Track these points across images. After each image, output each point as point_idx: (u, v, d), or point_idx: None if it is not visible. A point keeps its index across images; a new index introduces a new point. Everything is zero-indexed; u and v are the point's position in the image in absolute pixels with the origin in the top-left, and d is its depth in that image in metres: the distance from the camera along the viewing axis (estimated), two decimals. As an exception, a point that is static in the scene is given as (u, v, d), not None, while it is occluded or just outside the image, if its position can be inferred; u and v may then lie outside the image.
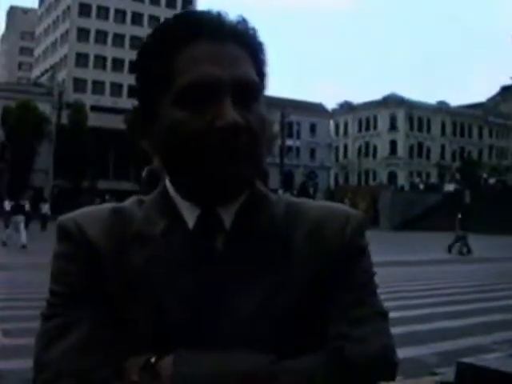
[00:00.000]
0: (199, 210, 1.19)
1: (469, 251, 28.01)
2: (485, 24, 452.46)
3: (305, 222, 1.22)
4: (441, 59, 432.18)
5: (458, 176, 76.72)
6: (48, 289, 1.18)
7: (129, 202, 1.27)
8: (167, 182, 1.24)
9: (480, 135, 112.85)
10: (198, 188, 1.16)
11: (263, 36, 1.22)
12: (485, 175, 76.83)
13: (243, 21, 1.19)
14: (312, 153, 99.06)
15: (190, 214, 1.19)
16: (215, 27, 1.15)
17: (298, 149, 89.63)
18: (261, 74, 1.20)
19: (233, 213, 1.20)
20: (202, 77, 1.11)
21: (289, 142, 73.72)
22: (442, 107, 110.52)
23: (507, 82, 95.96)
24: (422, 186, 69.35)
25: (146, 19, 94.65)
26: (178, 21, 1.17)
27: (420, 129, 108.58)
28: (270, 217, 1.22)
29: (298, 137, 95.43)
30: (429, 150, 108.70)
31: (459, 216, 29.22)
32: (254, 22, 1.21)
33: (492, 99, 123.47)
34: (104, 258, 1.16)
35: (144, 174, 1.31)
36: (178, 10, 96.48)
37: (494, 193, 55.57)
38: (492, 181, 69.38)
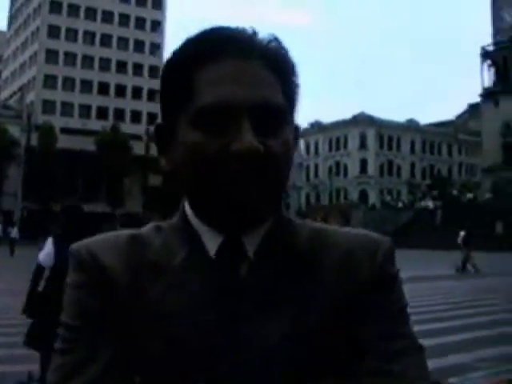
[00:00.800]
0: (222, 238, 1.12)
1: (462, 270, 28.24)
2: (454, 41, 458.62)
3: (332, 249, 1.15)
4: (410, 78, 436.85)
5: (435, 193, 77.05)
6: (61, 322, 1.12)
7: (147, 229, 1.20)
8: (186, 206, 1.17)
9: (449, 152, 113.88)
10: (215, 213, 1.09)
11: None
12: (455, 192, 77.31)
13: (275, 40, 1.12)
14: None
15: (211, 242, 1.12)
16: (243, 46, 1.08)
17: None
18: (290, 97, 1.12)
19: (257, 240, 1.12)
20: (220, 98, 1.04)
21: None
22: (411, 125, 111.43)
23: (475, 99, 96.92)
24: (400, 204, 69.40)
25: (114, 41, 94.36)
26: (204, 36, 1.10)
27: (390, 147, 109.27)
28: (296, 244, 1.15)
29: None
30: (399, 168, 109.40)
31: (462, 233, 29.38)
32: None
33: (461, 117, 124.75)
34: (119, 289, 1.10)
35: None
36: (148, 30, 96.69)
37: (466, 209, 55.78)
38: (469, 195, 69.76)
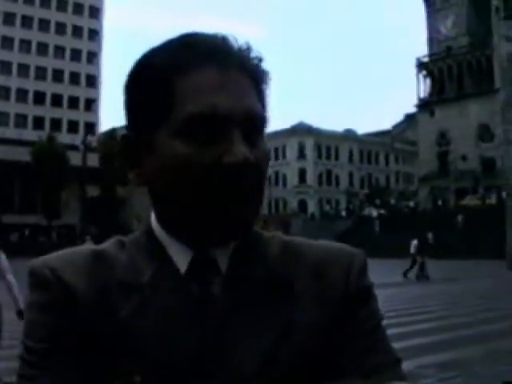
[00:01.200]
0: (191, 253, 1.07)
1: (427, 277, 28.51)
2: (390, 53, 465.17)
3: (305, 263, 1.11)
4: (349, 88, 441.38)
5: (377, 202, 77.75)
6: (22, 345, 1.05)
7: (109, 245, 1.13)
8: (152, 221, 1.12)
9: (387, 162, 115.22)
10: (195, 229, 1.04)
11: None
12: (393, 201, 78.22)
13: (248, 48, 1.08)
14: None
15: (181, 258, 1.07)
16: (222, 53, 1.04)
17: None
18: (263, 106, 1.08)
19: (228, 255, 1.08)
20: (210, 107, 0.99)
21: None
22: (349, 135, 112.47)
23: (412, 109, 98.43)
24: (343, 213, 69.77)
25: (51, 49, 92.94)
26: (180, 43, 1.05)
27: (328, 157, 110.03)
28: (268, 258, 1.11)
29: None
30: (337, 178, 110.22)
31: (415, 242, 29.71)
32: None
33: (397, 126, 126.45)
34: (84, 309, 1.02)
35: None
36: (85, 39, 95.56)
37: (404, 218, 56.41)
38: (409, 203, 70.44)
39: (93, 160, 71.31)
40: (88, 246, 1.12)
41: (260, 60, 1.09)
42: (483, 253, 35.21)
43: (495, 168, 76.08)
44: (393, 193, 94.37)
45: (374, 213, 57.36)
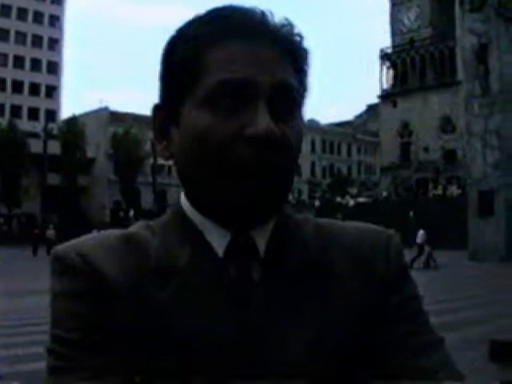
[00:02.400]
0: (228, 235, 1.02)
1: (436, 265, 28.82)
2: (355, 43, 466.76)
3: (342, 246, 1.08)
4: (312, 78, 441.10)
5: (353, 192, 78.05)
6: (51, 336, 0.99)
7: (137, 229, 1.08)
8: (183, 200, 1.07)
9: (349, 152, 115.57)
10: (222, 207, 1.00)
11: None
12: (354, 191, 78.59)
13: (289, 25, 1.04)
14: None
15: (218, 240, 1.02)
16: (257, 26, 1.00)
17: (170, 167, 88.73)
18: (302, 85, 1.05)
19: (266, 238, 1.04)
20: (236, 77, 0.96)
21: (161, 161, 72.80)
22: (312, 125, 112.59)
23: (374, 100, 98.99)
24: (317, 202, 69.69)
25: (12, 35, 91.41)
26: (215, 15, 1.02)
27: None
28: (304, 241, 1.07)
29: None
30: (300, 168, 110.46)
31: (422, 232, 29.94)
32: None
33: (359, 117, 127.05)
34: (119, 296, 0.97)
35: None
36: (46, 25, 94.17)
37: (365, 208, 56.67)
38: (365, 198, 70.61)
39: (53, 147, 70.46)
40: (117, 230, 1.07)
41: (300, 37, 1.05)
42: (447, 243, 35.57)
43: (456, 159, 76.91)
44: (355, 183, 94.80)
45: (351, 202, 57.26)
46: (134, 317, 0.96)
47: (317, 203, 64.25)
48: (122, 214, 69.82)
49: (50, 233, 45.23)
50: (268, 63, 0.98)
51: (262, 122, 0.94)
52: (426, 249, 29.53)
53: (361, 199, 65.90)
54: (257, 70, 0.97)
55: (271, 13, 1.03)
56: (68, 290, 0.98)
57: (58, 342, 0.97)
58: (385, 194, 70.39)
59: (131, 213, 65.95)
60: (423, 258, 29.30)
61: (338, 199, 68.38)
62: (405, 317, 1.06)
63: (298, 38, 1.05)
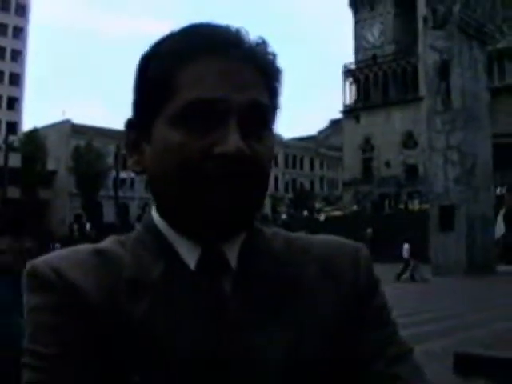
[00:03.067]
0: (199, 248, 1.03)
1: (423, 278, 28.82)
2: (320, 59, 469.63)
3: (312, 258, 1.10)
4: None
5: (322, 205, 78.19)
6: (27, 351, 0.97)
7: (109, 243, 1.08)
8: (154, 215, 1.08)
9: (312, 167, 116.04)
10: (194, 221, 1.01)
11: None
12: (318, 205, 78.85)
13: (263, 43, 1.05)
14: (147, 185, 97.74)
15: (189, 253, 1.03)
16: (230, 44, 1.01)
17: (132, 180, 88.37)
18: (274, 104, 1.05)
19: (236, 251, 1.05)
20: (208, 95, 0.97)
21: (123, 174, 72.46)
22: (275, 140, 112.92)
23: (337, 115, 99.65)
24: (284, 216, 69.59)
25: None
26: (188, 33, 1.03)
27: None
28: (275, 254, 1.08)
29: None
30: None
31: (407, 246, 30.01)
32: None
33: (322, 132, 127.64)
34: (95, 309, 0.97)
35: None
36: (9, 37, 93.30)
37: (327, 224, 56.89)
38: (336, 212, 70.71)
39: (14, 160, 69.68)
40: (89, 245, 1.07)
41: (274, 56, 1.06)
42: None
43: (418, 174, 77.59)
44: (317, 197, 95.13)
45: (322, 217, 57.30)
46: (109, 330, 0.97)
47: (284, 216, 64.14)
48: (76, 227, 69.21)
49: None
50: (240, 81, 0.99)
51: (232, 140, 0.95)
52: (412, 262, 29.67)
53: (336, 212, 65.87)
54: (228, 89, 0.98)
55: (246, 31, 1.04)
56: (44, 305, 0.97)
57: (36, 357, 0.96)
58: (355, 207, 70.58)
59: (87, 226, 65.49)
60: (408, 271, 29.48)
61: (305, 213, 68.31)
62: (377, 327, 1.08)
63: (271, 57, 1.05)
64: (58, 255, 1.03)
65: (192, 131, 0.97)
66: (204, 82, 0.98)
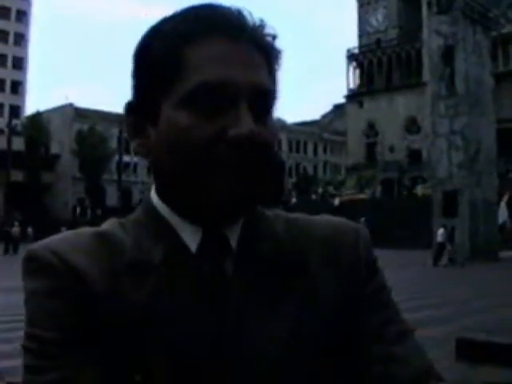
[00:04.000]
0: (200, 231, 1.03)
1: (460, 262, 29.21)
2: (322, 43, 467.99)
3: (313, 239, 1.10)
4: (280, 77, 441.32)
5: (321, 190, 77.99)
6: (27, 335, 0.96)
7: (109, 226, 1.07)
8: (154, 198, 1.07)
9: (315, 151, 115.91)
10: (202, 207, 1.00)
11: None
12: (320, 190, 78.82)
13: (264, 25, 1.04)
14: (149, 169, 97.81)
15: (190, 236, 1.03)
16: (236, 26, 1.00)
17: (135, 165, 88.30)
18: (275, 85, 1.05)
19: (237, 233, 1.05)
20: (219, 78, 0.96)
21: (126, 158, 72.36)
22: (278, 124, 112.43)
23: (340, 100, 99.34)
24: (294, 200, 69.04)
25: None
26: (195, 13, 1.01)
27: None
28: (276, 235, 1.08)
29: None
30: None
31: (441, 230, 30.55)
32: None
33: (326, 117, 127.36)
34: (96, 293, 0.96)
35: None
36: (12, 20, 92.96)
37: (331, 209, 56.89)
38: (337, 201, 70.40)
39: (17, 144, 69.67)
40: (90, 228, 1.06)
41: (274, 37, 1.05)
42: (414, 242, 35.86)
43: (421, 160, 77.45)
44: (320, 182, 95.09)
45: (336, 201, 56.71)
46: (111, 315, 0.95)
47: (294, 200, 63.75)
48: (78, 210, 69.24)
49: (16, 230, 44.24)
50: (248, 64, 0.99)
51: (245, 122, 0.95)
52: (448, 246, 30.06)
53: (361, 195, 65.05)
54: (238, 71, 0.97)
55: (248, 11, 1.03)
56: (45, 289, 0.96)
57: (36, 341, 0.95)
58: (379, 190, 70.16)
59: (88, 212, 65.49)
60: (445, 256, 29.88)
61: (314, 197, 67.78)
62: (377, 306, 1.08)
63: (271, 38, 1.05)
64: (58, 238, 1.02)
65: (202, 114, 0.96)
66: (213, 63, 0.96)
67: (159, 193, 1.06)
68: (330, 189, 76.03)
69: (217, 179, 0.96)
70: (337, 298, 1.06)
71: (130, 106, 1.06)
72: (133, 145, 1.05)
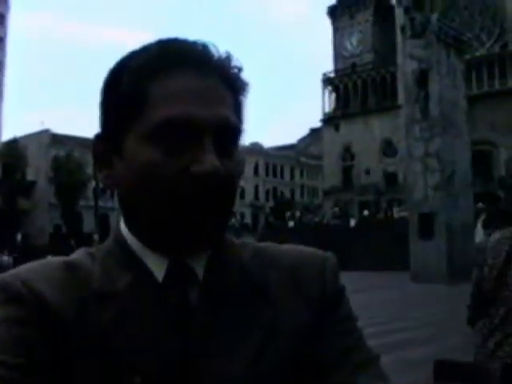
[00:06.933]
0: (167, 261, 1.05)
1: None
2: (299, 67, 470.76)
3: (280, 268, 1.12)
4: (255, 101, 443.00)
5: (288, 214, 77.88)
6: None
7: (78, 255, 1.10)
8: (122, 229, 1.09)
9: (292, 175, 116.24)
10: (164, 239, 1.02)
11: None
12: (298, 213, 78.90)
13: (229, 57, 1.06)
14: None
15: (156, 266, 1.05)
16: (201, 60, 1.02)
17: (112, 191, 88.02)
18: (240, 118, 1.07)
19: (203, 263, 1.06)
20: (182, 114, 0.97)
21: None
22: (255, 148, 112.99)
23: (317, 124, 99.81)
24: (291, 224, 68.67)
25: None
26: (158, 47, 1.03)
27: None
28: (242, 264, 1.10)
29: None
30: (243, 191, 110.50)
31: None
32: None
33: (302, 141, 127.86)
34: (64, 322, 0.98)
35: None
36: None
37: (312, 230, 56.91)
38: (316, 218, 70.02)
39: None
40: (59, 258, 1.09)
41: (240, 70, 1.07)
42: (390, 264, 35.92)
43: (397, 182, 77.82)
44: (298, 206, 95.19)
45: (352, 222, 56.05)
46: (77, 341, 0.98)
47: (291, 224, 63.31)
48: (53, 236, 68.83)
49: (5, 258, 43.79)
50: (212, 99, 1.00)
51: (209, 159, 0.96)
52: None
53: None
54: (202, 107, 0.98)
55: (213, 45, 1.05)
56: (15, 317, 0.98)
57: (6, 368, 0.95)
58: (327, 216, 70.19)
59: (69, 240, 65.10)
60: None
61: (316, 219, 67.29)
62: (342, 334, 1.09)
63: (237, 71, 1.06)
64: (27, 268, 1.04)
65: (167, 149, 0.97)
66: (177, 99, 0.98)
67: (126, 223, 1.08)
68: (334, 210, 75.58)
69: (182, 213, 0.98)
70: (303, 325, 1.07)
71: (97, 138, 1.08)
72: (100, 176, 1.07)
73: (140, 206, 1.01)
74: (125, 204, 1.06)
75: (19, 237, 60.00)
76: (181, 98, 0.98)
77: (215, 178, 0.97)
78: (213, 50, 1.04)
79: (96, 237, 41.76)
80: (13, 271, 1.04)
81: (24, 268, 1.04)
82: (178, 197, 0.98)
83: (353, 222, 51.42)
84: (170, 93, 0.99)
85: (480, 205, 40.46)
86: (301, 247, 1.19)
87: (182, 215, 0.98)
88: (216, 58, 1.04)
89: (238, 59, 1.07)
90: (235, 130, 1.03)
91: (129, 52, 1.05)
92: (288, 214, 67.12)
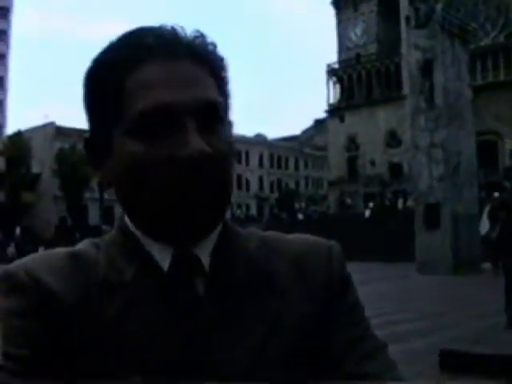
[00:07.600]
0: (171, 250, 1.04)
1: None
2: (303, 58, 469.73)
3: (286, 257, 1.12)
4: (259, 92, 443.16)
5: (297, 206, 77.85)
6: (2, 353, 0.98)
7: (84, 246, 1.10)
8: (126, 220, 1.09)
9: (296, 167, 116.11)
10: (164, 226, 1.02)
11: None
12: (302, 204, 78.77)
13: (201, 35, 1.05)
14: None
15: (162, 256, 1.04)
16: (169, 44, 1.01)
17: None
18: (224, 93, 1.07)
19: (209, 252, 1.06)
20: (158, 103, 0.97)
21: (108, 176, 72.02)
22: (259, 140, 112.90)
23: (321, 115, 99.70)
24: (300, 216, 68.57)
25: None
26: (125, 39, 1.03)
27: (239, 161, 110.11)
28: (248, 254, 1.09)
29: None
30: (248, 182, 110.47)
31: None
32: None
33: (306, 132, 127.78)
34: (68, 312, 0.98)
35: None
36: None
37: (315, 221, 56.85)
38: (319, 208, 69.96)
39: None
40: (64, 248, 1.09)
41: (214, 46, 1.06)
42: (396, 255, 35.87)
43: (402, 173, 77.66)
44: (302, 197, 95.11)
45: (367, 213, 55.70)
46: (82, 332, 0.98)
47: (300, 217, 62.54)
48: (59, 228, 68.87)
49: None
50: (188, 81, 1.00)
51: (193, 143, 0.96)
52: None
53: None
54: (178, 91, 0.98)
55: (181, 27, 1.04)
56: (17, 308, 0.98)
57: (8, 359, 0.96)
58: (332, 207, 70.01)
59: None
60: None
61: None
62: (349, 324, 1.09)
63: (211, 47, 1.06)
64: (32, 259, 1.04)
65: (151, 139, 0.98)
66: (153, 88, 0.98)
67: (129, 217, 1.08)
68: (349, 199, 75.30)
69: (176, 199, 0.98)
70: (309, 315, 1.07)
71: (87, 141, 1.08)
72: (97, 177, 1.08)
73: (134, 201, 1.02)
74: (121, 200, 1.06)
75: (18, 230, 60.33)
76: (154, 88, 0.98)
77: (201, 158, 0.96)
78: (180, 32, 1.03)
79: (105, 228, 41.82)
80: (18, 262, 1.04)
81: (29, 258, 1.05)
82: (168, 186, 0.97)
83: (367, 213, 51.11)
84: (143, 85, 0.98)
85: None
86: (306, 236, 1.18)
87: (175, 205, 0.98)
88: (186, 39, 1.03)
89: (210, 36, 1.06)
90: (216, 107, 1.02)
91: (104, 47, 1.05)
92: (297, 205, 66.85)
